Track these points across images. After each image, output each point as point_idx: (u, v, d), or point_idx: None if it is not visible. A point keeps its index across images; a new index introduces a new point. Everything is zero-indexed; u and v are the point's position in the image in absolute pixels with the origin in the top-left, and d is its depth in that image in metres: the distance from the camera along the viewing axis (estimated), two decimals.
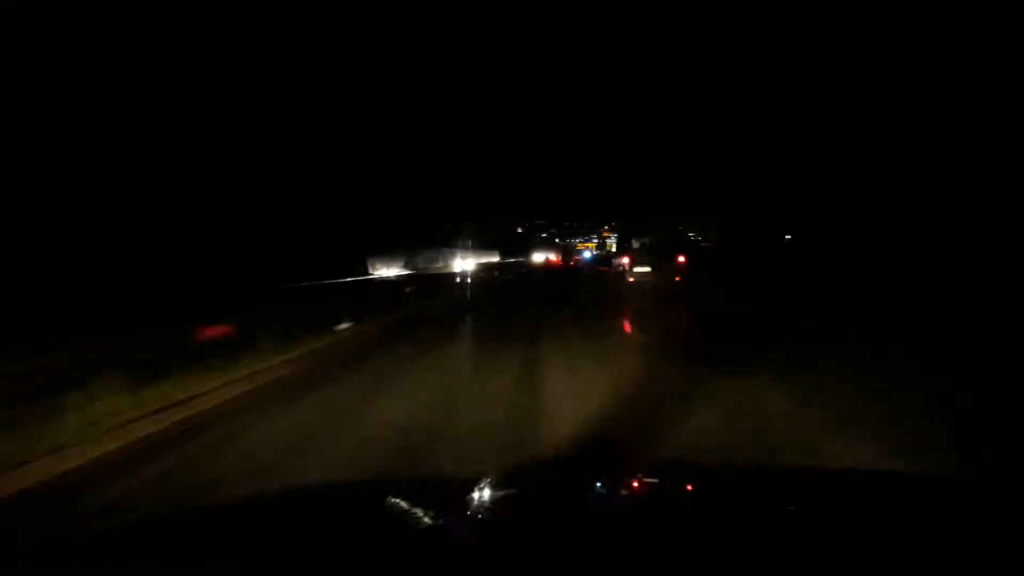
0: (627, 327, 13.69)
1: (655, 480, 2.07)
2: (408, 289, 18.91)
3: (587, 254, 70.08)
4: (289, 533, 1.45)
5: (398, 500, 1.75)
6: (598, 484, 2.07)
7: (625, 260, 22.45)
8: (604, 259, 62.93)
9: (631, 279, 21.75)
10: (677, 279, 20.93)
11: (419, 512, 1.62)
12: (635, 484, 2.06)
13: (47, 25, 14.39)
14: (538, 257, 69.60)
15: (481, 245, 51.67)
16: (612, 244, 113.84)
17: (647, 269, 21.63)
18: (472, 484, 1.80)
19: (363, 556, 1.24)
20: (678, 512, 1.66)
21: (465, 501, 1.64)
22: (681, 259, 21.39)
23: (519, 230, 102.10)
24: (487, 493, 1.79)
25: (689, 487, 1.98)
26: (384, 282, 20.24)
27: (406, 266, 24.62)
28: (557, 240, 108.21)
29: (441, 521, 1.57)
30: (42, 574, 1.28)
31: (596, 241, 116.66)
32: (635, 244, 22.61)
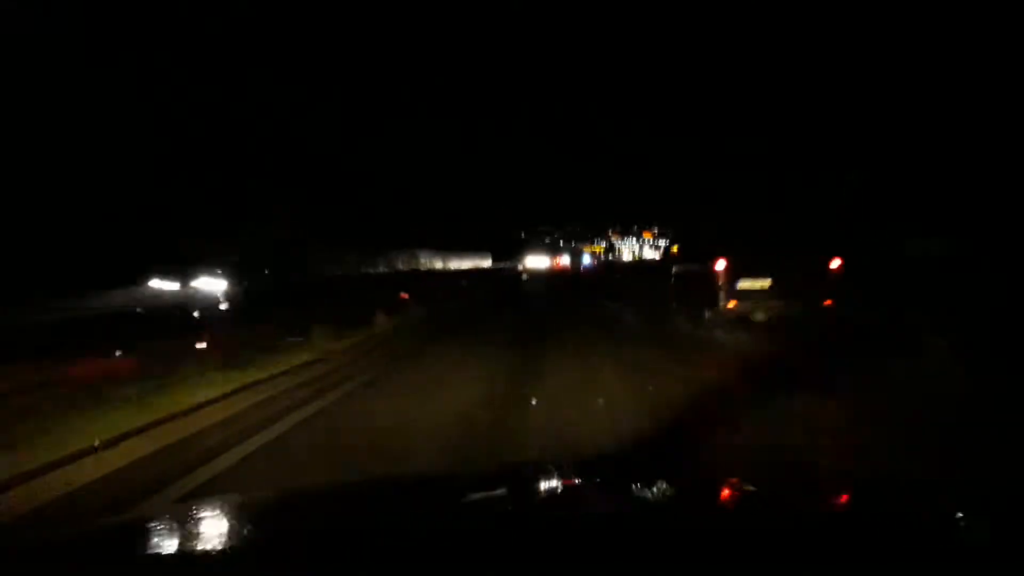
0: None
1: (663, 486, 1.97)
2: None
3: (587, 258, 63.66)
4: (290, 534, 1.44)
5: (399, 501, 1.75)
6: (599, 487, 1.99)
7: (719, 266, 11.50)
8: (606, 268, 52.57)
9: (729, 306, 11.09)
10: (827, 303, 10.40)
11: (419, 513, 1.62)
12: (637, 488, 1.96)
13: (47, 25, 14.72)
14: (534, 262, 53.02)
15: (473, 248, 46.23)
16: (622, 248, 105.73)
17: (764, 284, 10.94)
18: (471, 486, 1.87)
19: (363, 558, 1.24)
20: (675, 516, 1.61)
21: (462, 504, 1.67)
22: (834, 265, 10.81)
23: (522, 234, 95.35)
24: (485, 495, 1.82)
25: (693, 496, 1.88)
26: None
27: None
28: (561, 243, 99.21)
29: (439, 522, 1.53)
30: (42, 573, 1.27)
31: (604, 244, 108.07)
32: (722, 240, 11.58)
